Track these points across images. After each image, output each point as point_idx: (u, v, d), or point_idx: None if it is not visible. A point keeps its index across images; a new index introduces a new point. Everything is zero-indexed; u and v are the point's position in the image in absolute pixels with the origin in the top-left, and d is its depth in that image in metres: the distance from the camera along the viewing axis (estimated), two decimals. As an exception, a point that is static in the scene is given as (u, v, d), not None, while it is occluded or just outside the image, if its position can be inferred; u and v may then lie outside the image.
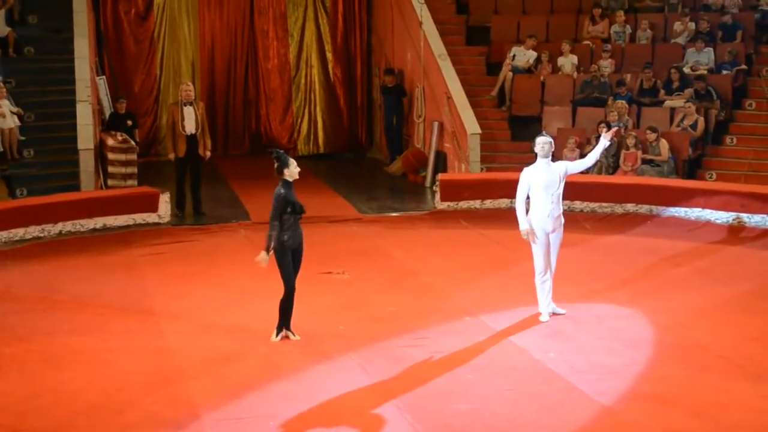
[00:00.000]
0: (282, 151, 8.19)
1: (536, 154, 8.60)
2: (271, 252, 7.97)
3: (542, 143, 8.52)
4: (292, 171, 7.97)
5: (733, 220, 12.27)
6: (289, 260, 8.03)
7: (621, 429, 6.32)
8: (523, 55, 16.92)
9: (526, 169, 8.61)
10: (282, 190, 7.92)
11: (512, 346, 7.93)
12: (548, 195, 8.49)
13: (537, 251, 8.60)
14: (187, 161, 13.27)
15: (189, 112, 13.11)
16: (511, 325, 8.48)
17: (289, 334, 8.13)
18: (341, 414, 6.55)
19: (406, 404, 6.68)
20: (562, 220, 8.63)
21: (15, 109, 14.10)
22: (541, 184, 8.48)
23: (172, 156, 13.30)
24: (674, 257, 11.03)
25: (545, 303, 8.66)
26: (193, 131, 13.10)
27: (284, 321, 8.13)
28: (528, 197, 8.62)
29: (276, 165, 7.99)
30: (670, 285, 9.79)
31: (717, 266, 10.69)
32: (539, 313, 8.67)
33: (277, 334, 8.12)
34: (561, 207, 8.62)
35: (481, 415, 6.49)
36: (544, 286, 8.64)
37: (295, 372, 7.34)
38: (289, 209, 7.91)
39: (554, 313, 8.72)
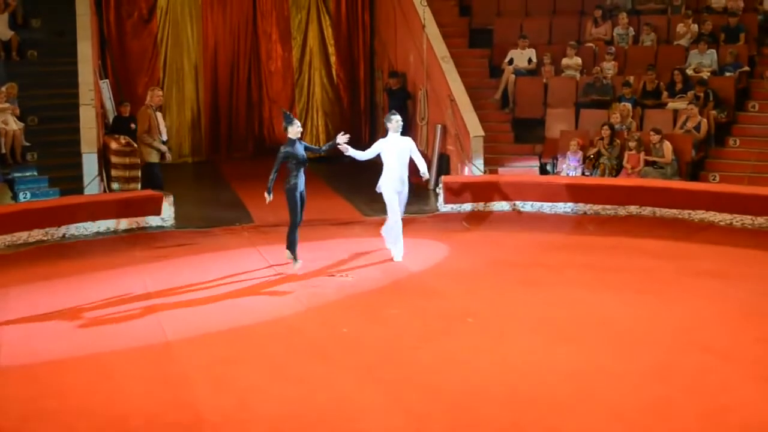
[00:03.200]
0: (289, 113, 10.30)
1: (387, 129, 10.75)
2: (283, 193, 10.10)
3: (397, 121, 10.73)
4: (295, 129, 10.02)
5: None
6: (296, 199, 10.11)
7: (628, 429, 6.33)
8: (521, 56, 16.92)
9: (381, 140, 10.90)
10: (283, 149, 10.00)
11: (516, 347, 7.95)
12: (399, 161, 10.65)
13: (392, 208, 10.78)
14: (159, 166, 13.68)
15: (161, 118, 13.33)
16: (510, 323, 8.50)
17: (292, 259, 10.24)
18: (345, 418, 6.55)
19: (406, 405, 6.69)
20: (407, 184, 10.84)
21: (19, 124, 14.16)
22: (394, 152, 10.67)
23: (170, 155, 13.49)
24: (685, 259, 11.06)
25: (399, 246, 10.79)
26: (166, 137, 13.36)
27: (292, 249, 10.20)
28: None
29: (283, 123, 10.09)
30: (675, 285, 9.79)
31: (727, 267, 10.66)
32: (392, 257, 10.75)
33: (295, 261, 10.25)
34: (407, 173, 10.75)
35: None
36: (399, 233, 10.74)
37: (298, 374, 7.33)
38: (291, 161, 9.94)
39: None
